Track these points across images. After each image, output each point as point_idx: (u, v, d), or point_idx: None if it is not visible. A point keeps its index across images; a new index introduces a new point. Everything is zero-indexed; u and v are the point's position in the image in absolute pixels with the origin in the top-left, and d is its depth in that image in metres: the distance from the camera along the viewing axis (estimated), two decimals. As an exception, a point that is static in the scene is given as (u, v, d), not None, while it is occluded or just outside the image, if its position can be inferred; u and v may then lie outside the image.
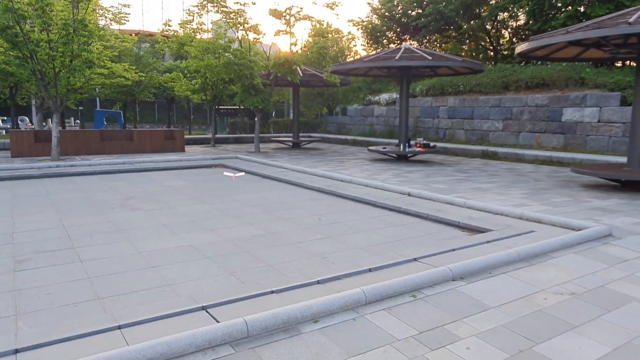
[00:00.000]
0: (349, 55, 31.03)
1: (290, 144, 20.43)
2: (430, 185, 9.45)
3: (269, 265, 4.89)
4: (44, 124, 25.18)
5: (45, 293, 4.12)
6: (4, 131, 27.09)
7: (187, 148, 18.72)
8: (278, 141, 20.81)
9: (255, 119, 17.77)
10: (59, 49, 13.14)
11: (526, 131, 16.92)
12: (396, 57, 12.89)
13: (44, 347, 2.92)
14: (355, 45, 47.56)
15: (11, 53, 13.19)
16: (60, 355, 2.83)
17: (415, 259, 4.66)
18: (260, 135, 18.57)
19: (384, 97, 24.18)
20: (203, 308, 3.51)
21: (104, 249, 5.45)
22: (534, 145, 16.58)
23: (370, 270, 4.36)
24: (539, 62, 20.04)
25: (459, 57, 15.32)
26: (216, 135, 21.54)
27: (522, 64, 20.40)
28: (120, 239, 5.89)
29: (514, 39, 26.00)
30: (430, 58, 12.74)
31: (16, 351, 2.87)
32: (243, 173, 10.05)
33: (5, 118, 28.57)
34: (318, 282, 4.06)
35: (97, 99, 32.96)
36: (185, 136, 21.60)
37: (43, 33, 13.26)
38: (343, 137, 23.66)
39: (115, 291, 4.17)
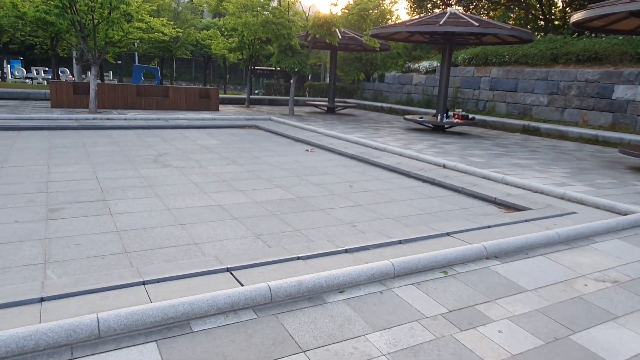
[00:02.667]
0: (390, 19, 30.04)
1: (325, 108, 20.14)
2: (466, 159, 9.12)
3: (296, 230, 4.81)
4: (83, 76, 25.56)
5: (74, 243, 4.16)
6: (45, 82, 27.76)
7: (221, 107, 18.70)
8: (313, 105, 20.55)
9: (291, 81, 17.51)
10: (98, 0, 13.10)
11: (572, 107, 16.10)
12: (440, 22, 12.30)
13: (69, 298, 2.93)
14: (397, 10, 46.06)
15: (51, 2, 13.23)
16: (84, 307, 2.83)
17: (447, 234, 4.48)
18: (295, 98, 18.34)
19: (424, 64, 23.40)
20: (228, 270, 3.46)
21: (134, 203, 5.48)
22: (579, 123, 15.79)
23: (400, 242, 4.21)
24: (593, 35, 18.86)
25: (508, 25, 14.53)
26: (251, 96, 21.44)
27: (574, 36, 19.26)
28: (151, 194, 5.91)
29: (567, 8, 24.52)
30: (477, 24, 12.10)
31: (42, 299, 2.88)
32: (315, 149, 9.97)
33: (47, 69, 29.18)
34: (346, 250, 3.95)
35: (136, 54, 33.23)
36: (220, 95, 21.60)
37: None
38: (379, 104, 23.17)
39: (143, 246, 4.17)
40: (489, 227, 4.76)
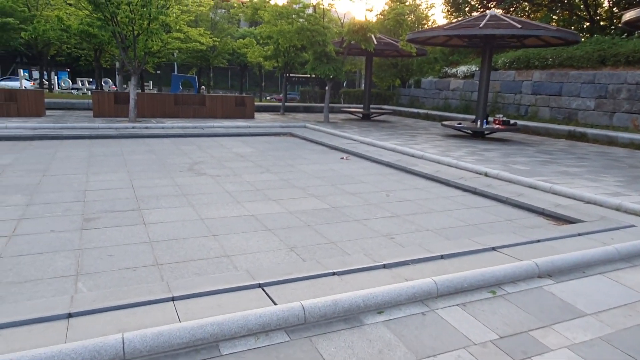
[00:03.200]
0: (427, 24, 29.57)
1: (360, 115, 19.92)
2: (509, 166, 8.70)
3: (331, 242, 4.61)
4: (125, 86, 26.33)
5: (107, 254, 4.10)
6: (90, 92, 28.70)
7: (256, 115, 18.78)
8: (348, 112, 20.37)
9: (326, 88, 17.39)
10: (138, 12, 13.39)
11: (622, 111, 15.28)
12: (480, 25, 11.90)
13: (97, 314, 2.82)
14: (433, 14, 45.42)
15: (94, 15, 13.60)
16: (111, 324, 2.72)
17: (493, 248, 4.18)
18: (330, 105, 18.20)
19: (462, 69, 22.84)
20: (260, 286, 3.30)
21: (168, 213, 5.42)
22: (629, 128, 14.96)
23: (442, 257, 3.95)
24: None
25: (552, 26, 13.95)
26: (286, 104, 21.46)
27: (622, 36, 18.35)
28: (184, 203, 5.85)
29: (614, 8, 23.47)
30: (520, 26, 11.64)
31: (69, 315, 2.79)
32: (350, 157, 9.85)
33: (91, 80, 30.18)
34: (384, 266, 3.72)
35: (175, 63, 34.02)
36: (256, 103, 21.73)
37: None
38: (415, 110, 22.76)
39: (174, 258, 4.07)
40: (538, 241, 4.42)
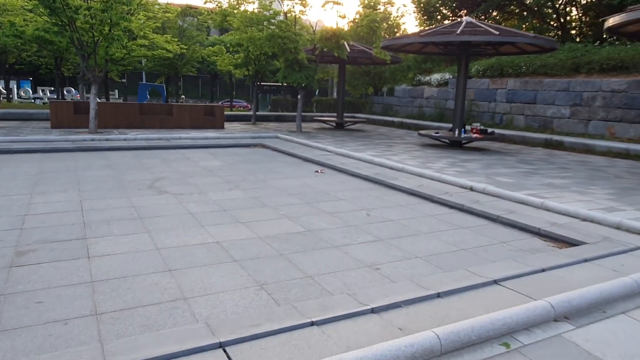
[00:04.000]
0: (398, 33, 29.39)
1: (334, 124, 19.40)
2: (493, 178, 8.26)
3: (308, 276, 3.98)
4: (88, 95, 25.18)
5: (35, 301, 3.36)
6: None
7: (227, 125, 18.05)
8: (321, 121, 19.83)
9: (298, 96, 16.81)
10: (98, 17, 12.55)
11: (598, 119, 15.20)
12: (457, 32, 11.54)
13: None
14: (404, 23, 45.53)
15: (49, 20, 12.68)
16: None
17: (495, 282, 3.63)
18: (303, 114, 17.61)
19: (436, 77, 22.65)
20: (220, 345, 2.64)
21: (119, 242, 4.68)
22: (606, 136, 14.87)
23: (439, 295, 3.36)
24: (617, 42, 18.03)
25: (529, 33, 13.75)
26: (257, 113, 20.77)
27: (595, 44, 18.42)
28: (139, 229, 5.12)
29: (582, 17, 23.73)
30: (497, 33, 11.33)
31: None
32: (325, 169, 9.25)
33: (53, 89, 28.75)
34: (372, 310, 3.11)
35: (143, 72, 32.90)
36: (226, 112, 20.97)
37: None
38: (390, 118, 22.40)
39: (119, 304, 3.36)
40: (543, 270, 3.90)
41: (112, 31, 12.82)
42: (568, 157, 12.32)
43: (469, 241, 5.09)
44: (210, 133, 14.31)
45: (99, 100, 15.28)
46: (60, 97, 24.22)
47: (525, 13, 24.54)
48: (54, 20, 12.50)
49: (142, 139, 12.30)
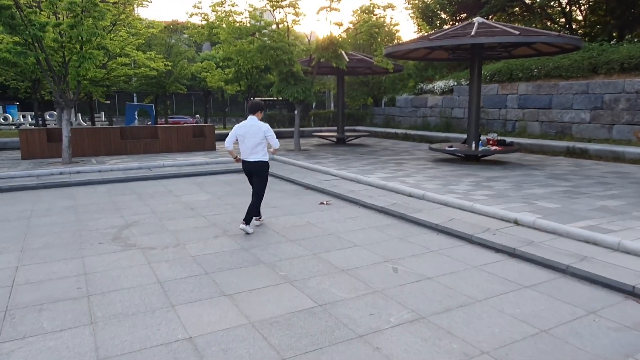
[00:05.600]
0: (395, 41, 28.13)
1: (334, 139, 18.00)
2: (533, 204, 6.83)
3: (327, 411, 2.52)
4: (72, 120, 23.79)
5: None
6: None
7: (220, 144, 16.62)
8: (320, 136, 18.43)
9: (295, 112, 15.42)
10: (67, 33, 11.19)
11: (622, 123, 13.84)
12: (472, 33, 10.20)
13: None
14: (398, 31, 44.39)
15: (10, 39, 11.32)
16: None
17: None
18: (300, 129, 16.21)
19: (439, 85, 21.34)
20: None
21: (44, 347, 3.22)
22: (632, 141, 13.49)
23: None
24: (635, 39, 16.76)
25: (552, 32, 12.43)
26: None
27: (612, 42, 17.13)
28: (81, 317, 3.65)
29: (590, 17, 22.51)
30: (518, 33, 9.98)
31: None
32: (331, 200, 7.85)
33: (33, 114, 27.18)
34: None
35: (134, 92, 31.56)
36: (219, 131, 19.58)
37: (46, 14, 11.38)
38: (392, 130, 21.04)
39: None
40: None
41: (84, 49, 11.45)
42: (598, 167, 10.93)
43: (544, 313, 3.63)
44: (198, 158, 12.88)
45: (85, 125, 13.90)
46: (42, 122, 22.84)
47: (527, 14, 23.33)
48: (16, 39, 11.13)
49: (120, 169, 10.86)
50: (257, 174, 6.07)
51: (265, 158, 6.00)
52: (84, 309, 3.78)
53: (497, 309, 3.70)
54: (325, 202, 7.74)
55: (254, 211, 6.04)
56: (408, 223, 6.38)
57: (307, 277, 4.43)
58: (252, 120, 5.93)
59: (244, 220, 5.96)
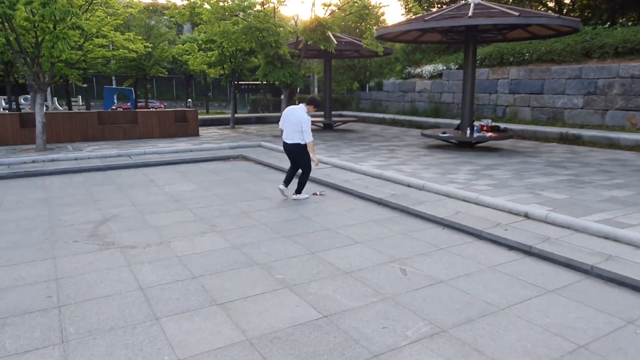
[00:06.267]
0: (380, 24, 27.51)
1: (322, 124, 17.49)
2: (539, 194, 6.48)
3: None
4: (48, 104, 22.75)
5: None
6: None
7: (203, 130, 16.00)
8: (307, 122, 17.86)
9: (282, 96, 14.83)
10: (38, 12, 10.40)
11: (616, 109, 13.62)
12: (469, 14, 9.74)
13: None
14: (384, 14, 43.68)
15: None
16: None
17: None
18: (287, 115, 15.62)
19: (428, 69, 20.91)
20: None
21: (7, 371, 2.73)
22: (626, 127, 13.29)
23: None
24: (629, 23, 16.49)
25: (553, 14, 12.02)
26: (236, 115, 18.74)
27: (605, 26, 16.84)
28: (49, 336, 3.15)
29: (582, 1, 22.21)
30: (517, 14, 9.55)
31: None
32: (325, 190, 7.49)
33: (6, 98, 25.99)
34: None
35: (113, 76, 30.39)
36: (202, 116, 18.90)
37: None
38: (380, 115, 20.58)
39: None
40: None
41: (57, 29, 10.68)
42: (594, 154, 10.69)
43: (577, 324, 3.25)
44: (182, 144, 12.27)
45: (61, 109, 13.12)
46: (16, 107, 21.81)
47: (518, -3, 22.93)
48: (-20, 18, 10.30)
49: (98, 156, 10.22)
50: (294, 154, 6.80)
51: (302, 142, 6.59)
52: (54, 323, 3.28)
53: (525, 319, 3.30)
54: (318, 193, 7.28)
55: (304, 182, 6.92)
56: (410, 216, 5.97)
57: (307, 281, 3.98)
58: (299, 110, 6.58)
59: (295, 192, 6.89)
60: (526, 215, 5.48)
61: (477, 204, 6.09)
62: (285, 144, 6.77)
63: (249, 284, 3.93)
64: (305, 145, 6.60)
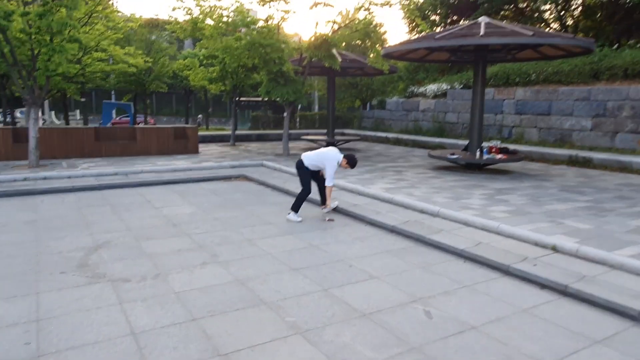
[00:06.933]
0: (386, 43, 27.39)
1: (324, 143, 17.09)
2: (559, 222, 6.07)
3: None
4: (44, 118, 22.36)
5: None
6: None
7: (203, 147, 15.61)
8: (309, 140, 17.49)
9: (284, 114, 14.47)
10: (35, 23, 10.07)
11: (626, 131, 13.31)
12: (481, 33, 9.44)
13: None
14: (385, 32, 43.76)
15: (-29, 28, 10.14)
16: None
17: None
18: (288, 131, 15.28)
19: (432, 88, 20.65)
20: None
21: None
22: (637, 150, 12.96)
23: None
24: (638, 45, 16.29)
25: (567, 34, 11.77)
26: (237, 132, 18.38)
27: (613, 48, 16.64)
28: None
29: (584, 21, 22.12)
30: (531, 33, 9.25)
31: None
32: (337, 203, 7.40)
33: (16, 110, 25.37)
34: None
35: (113, 91, 30.09)
36: (202, 132, 18.54)
37: (14, 2, 10.25)
38: (383, 134, 20.25)
39: None
40: None
41: (54, 40, 10.34)
42: (607, 178, 10.32)
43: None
44: (181, 162, 11.85)
45: (58, 123, 12.72)
46: (11, 121, 21.42)
47: (520, 18, 22.84)
48: (-26, 29, 9.96)
49: (93, 175, 9.78)
50: (299, 171, 6.89)
51: (311, 168, 6.77)
52: (30, 379, 2.81)
53: (576, 379, 2.86)
54: (326, 219, 6.84)
55: (324, 196, 7.10)
56: (427, 247, 5.53)
57: (322, 326, 3.53)
58: (334, 152, 6.79)
59: (291, 208, 6.89)
60: (554, 249, 5.05)
61: (499, 233, 5.66)
62: (299, 161, 6.81)
63: (256, 329, 3.47)
64: (307, 168, 6.76)
